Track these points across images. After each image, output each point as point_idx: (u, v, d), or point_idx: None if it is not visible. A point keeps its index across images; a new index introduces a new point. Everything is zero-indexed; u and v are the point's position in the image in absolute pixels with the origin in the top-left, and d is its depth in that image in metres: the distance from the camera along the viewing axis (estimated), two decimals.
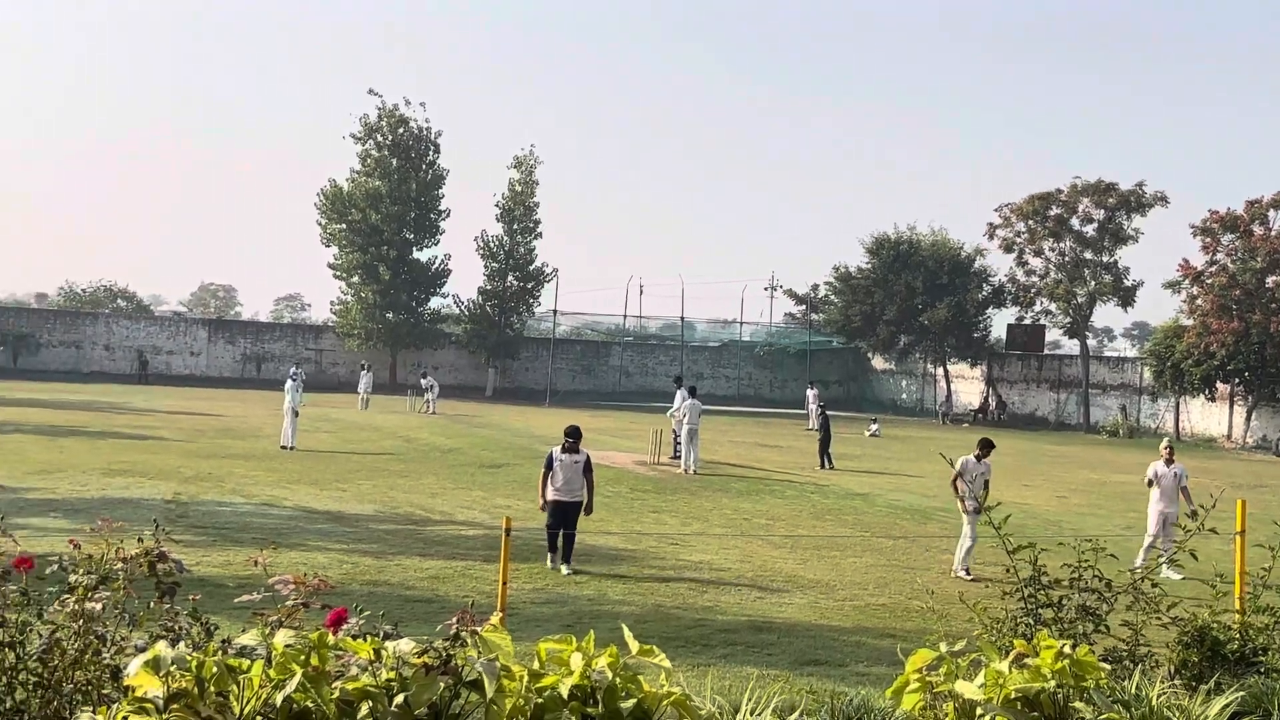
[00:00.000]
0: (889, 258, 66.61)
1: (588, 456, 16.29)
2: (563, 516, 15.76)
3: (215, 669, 3.91)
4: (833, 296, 71.42)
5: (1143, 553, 17.32)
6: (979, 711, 4.71)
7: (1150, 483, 18.62)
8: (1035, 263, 63.28)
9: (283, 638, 4.12)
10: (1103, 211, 60.54)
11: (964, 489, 16.77)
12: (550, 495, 15.96)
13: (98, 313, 71.36)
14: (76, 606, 4.93)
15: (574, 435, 16.28)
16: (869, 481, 29.36)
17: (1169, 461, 18.53)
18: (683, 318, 72.53)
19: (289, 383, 31.95)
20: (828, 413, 35.53)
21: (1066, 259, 61.95)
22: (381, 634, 4.37)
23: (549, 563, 15.62)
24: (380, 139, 66.16)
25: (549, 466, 16.08)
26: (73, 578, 5.08)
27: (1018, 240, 62.87)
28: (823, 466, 32.49)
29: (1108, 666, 5.74)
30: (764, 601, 14.27)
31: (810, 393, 52.75)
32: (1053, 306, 63.54)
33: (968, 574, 16.48)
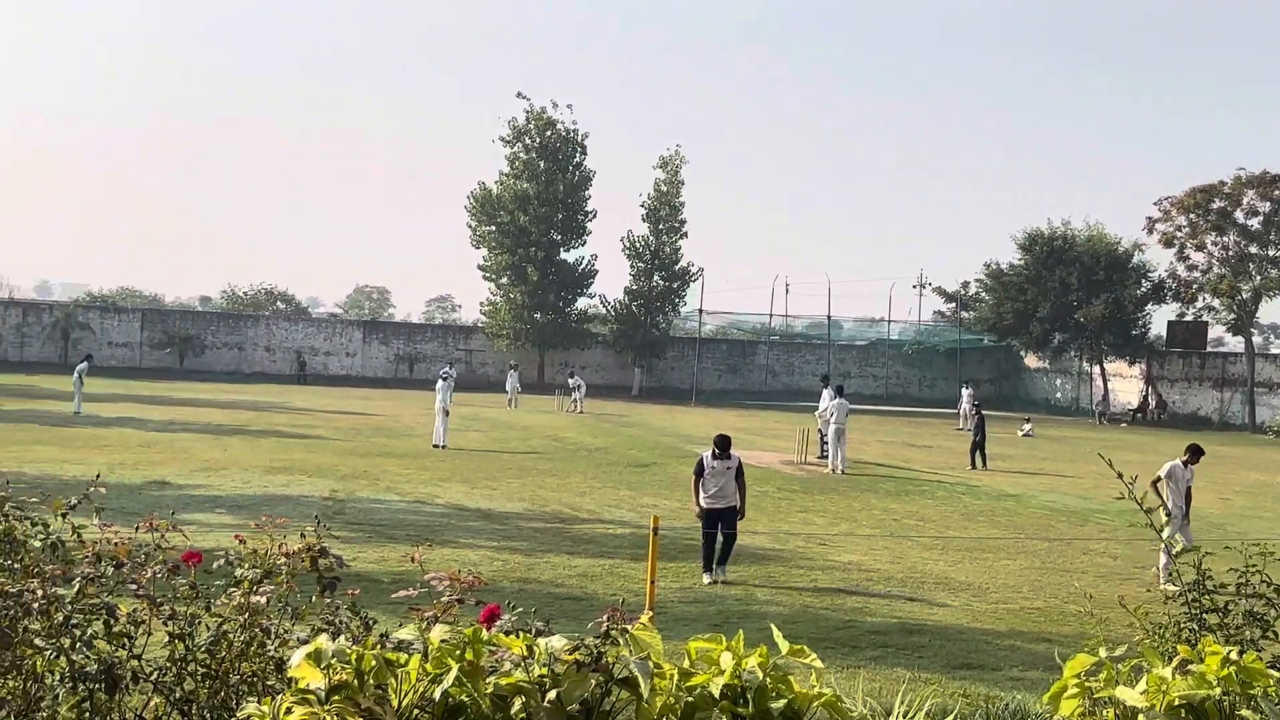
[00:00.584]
0: (1042, 254, 65.04)
1: (739, 461, 15.65)
2: (715, 526, 15.26)
3: (374, 662, 4.00)
4: (983, 294, 70.06)
5: None
6: (1141, 718, 4.57)
7: None
8: (1197, 257, 61.23)
9: (439, 633, 4.20)
10: (1269, 204, 58.21)
11: (1166, 494, 16.42)
12: (703, 502, 15.44)
13: (259, 315, 73.63)
14: (242, 600, 5.10)
15: (724, 445, 15.54)
16: (1022, 482, 28.74)
17: None
18: (829, 316, 71.94)
19: (440, 383, 32.52)
20: (983, 411, 34.73)
21: (1230, 253, 59.77)
22: (533, 631, 4.43)
23: (704, 577, 14.94)
24: (528, 142, 66.95)
25: (699, 473, 15.55)
26: (238, 572, 5.26)
27: (1178, 235, 60.87)
28: (973, 466, 31.91)
29: (1276, 674, 5.53)
30: (915, 604, 14.09)
31: (965, 392, 51.84)
32: (1216, 302, 61.34)
33: (1173, 585, 15.52)
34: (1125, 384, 67.28)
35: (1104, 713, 4.87)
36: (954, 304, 76.70)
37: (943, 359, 75.22)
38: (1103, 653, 4.83)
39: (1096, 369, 67.25)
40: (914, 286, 79.89)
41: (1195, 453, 17.39)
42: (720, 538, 15.18)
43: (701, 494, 15.48)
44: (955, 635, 12.47)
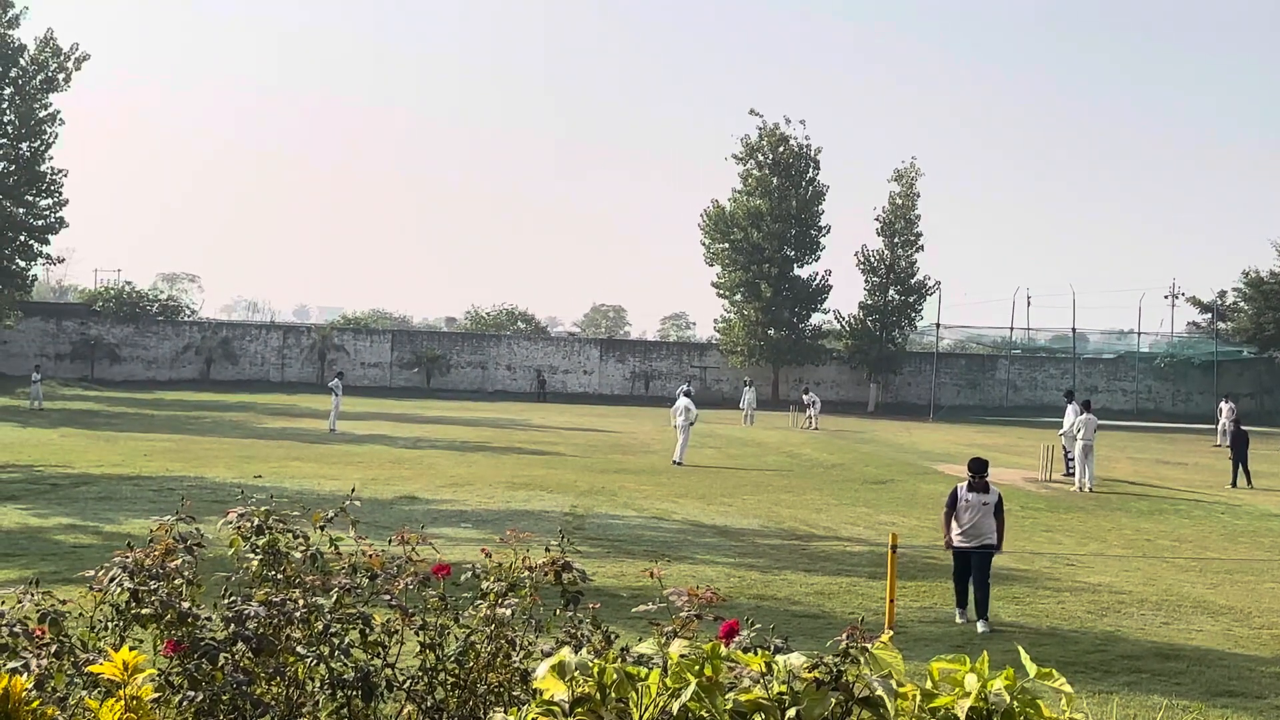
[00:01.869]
0: None
1: (999, 496, 14.00)
2: (968, 564, 13.72)
3: (615, 676, 4.05)
4: (1242, 303, 66.67)
5: None
6: None
7: None
8: None
9: (678, 647, 4.23)
10: None
11: None
12: (955, 539, 13.88)
13: (500, 335, 75.88)
14: (489, 612, 5.25)
15: (980, 470, 13.86)
16: None
17: None
18: (1074, 329, 69.59)
19: (682, 399, 32.69)
20: (1243, 426, 32.84)
21: None
22: (772, 648, 4.41)
23: (956, 616, 13.54)
24: (761, 158, 67.12)
25: (952, 505, 14.00)
26: (484, 584, 5.41)
27: None
28: (1234, 484, 30.29)
29: None
30: (1171, 627, 13.44)
31: (1224, 406, 49.29)
32: None
33: None
34: None
35: None
36: (1210, 314, 73.07)
37: (1198, 372, 71.70)
38: None
39: None
40: (1166, 296, 76.66)
41: None
42: (973, 582, 13.62)
43: (955, 528, 13.94)
44: (1215, 661, 11.84)
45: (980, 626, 13.03)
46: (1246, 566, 17.85)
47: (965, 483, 13.92)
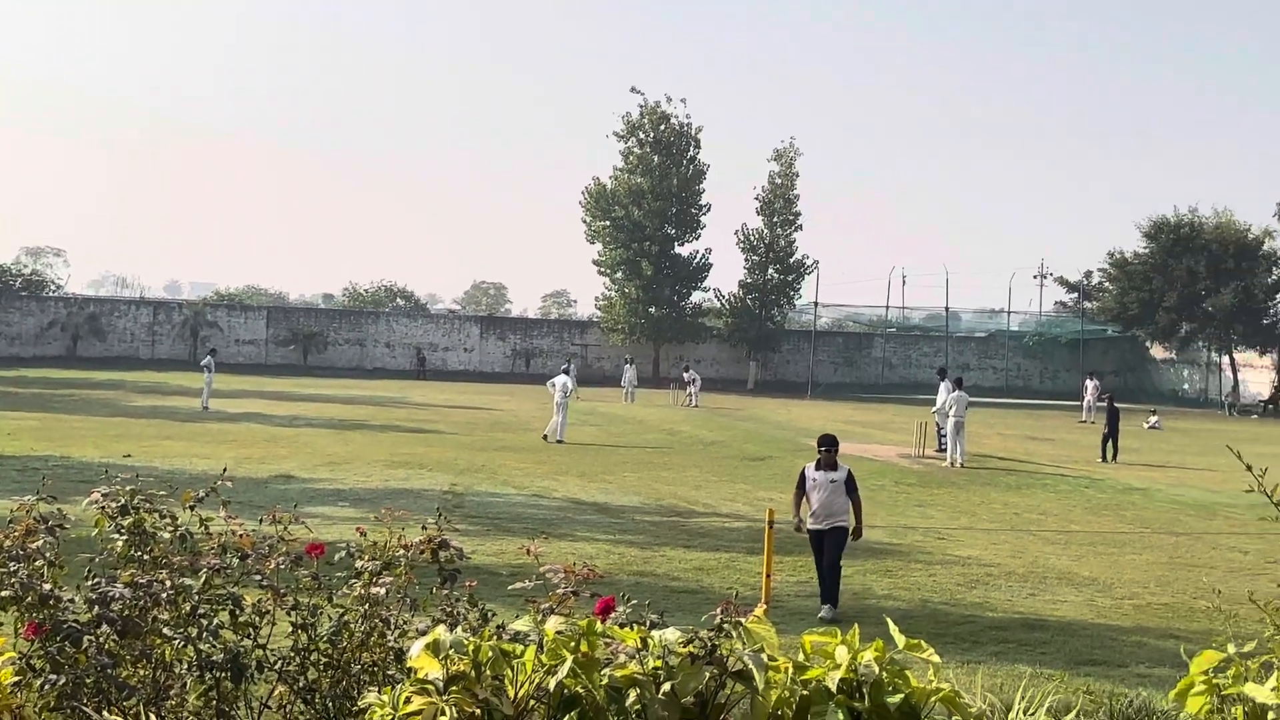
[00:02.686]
0: (1168, 242, 63.49)
1: (849, 473, 13.15)
2: (821, 547, 12.99)
3: (491, 653, 4.05)
4: (1107, 283, 68.64)
5: None
6: (1271, 715, 4.44)
7: None
8: None
9: (554, 624, 4.24)
10: None
11: None
12: (808, 523, 13.13)
13: (379, 312, 75.01)
14: (363, 591, 5.20)
15: (829, 444, 13.14)
16: (1148, 476, 28.06)
17: None
18: (947, 308, 71.00)
19: (561, 377, 32.58)
20: (1115, 404, 33.75)
21: None
22: (648, 623, 4.44)
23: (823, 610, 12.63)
24: (642, 136, 67.14)
25: (801, 486, 13.24)
26: (359, 563, 5.36)
27: None
28: (1104, 459, 31.26)
29: None
30: (1037, 599, 13.84)
31: (1089, 383, 50.78)
32: None
33: None
34: (1256, 374, 65.29)
35: (1232, 710, 4.73)
36: (1077, 294, 75.18)
37: (1065, 350, 73.74)
38: (1231, 649, 4.69)
39: (1225, 359, 65.37)
40: (1035, 276, 78.76)
41: None
42: (824, 564, 12.93)
43: (807, 511, 13.21)
44: (1079, 631, 12.22)
45: (824, 611, 12.40)
46: (1109, 539, 18.44)
47: (813, 462, 13.24)
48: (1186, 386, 70.95)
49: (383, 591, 5.15)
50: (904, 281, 74.92)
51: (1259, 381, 64.83)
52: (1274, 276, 62.03)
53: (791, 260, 67.91)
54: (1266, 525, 7.65)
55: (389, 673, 4.95)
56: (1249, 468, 7.64)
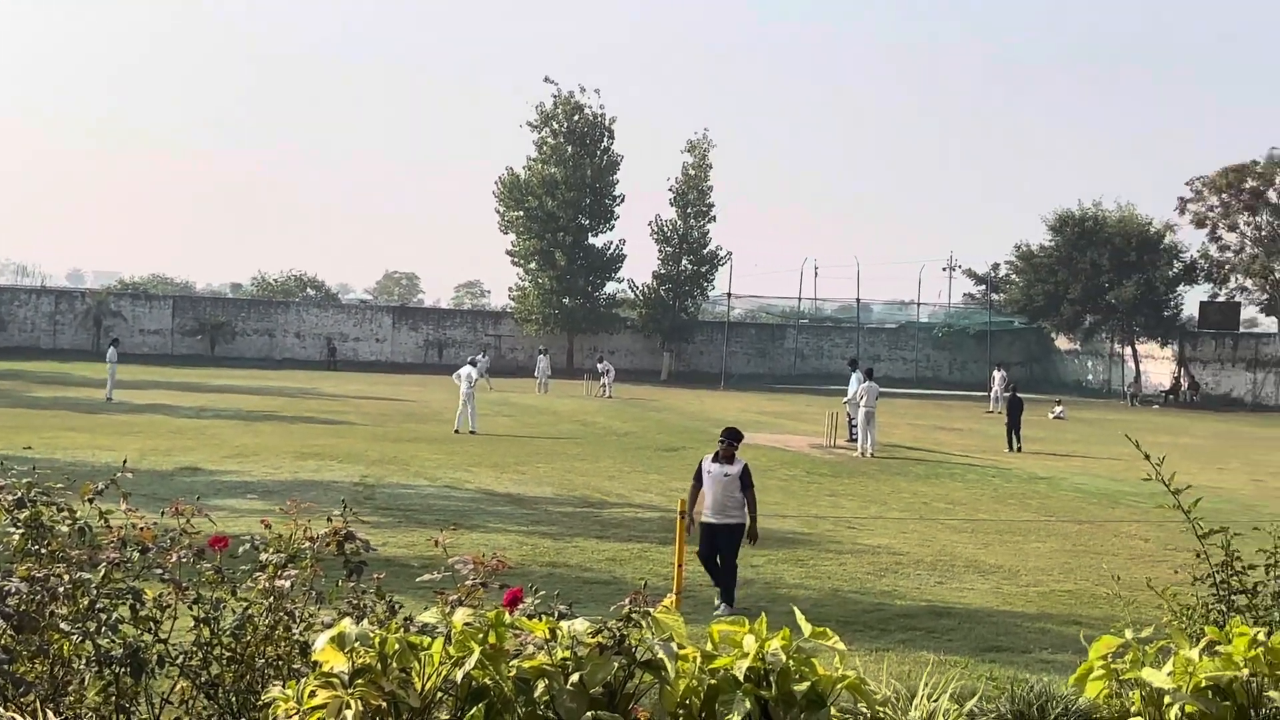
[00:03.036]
0: (1073, 235, 64.66)
1: (745, 467, 12.75)
2: (713, 543, 12.55)
3: (397, 646, 4.01)
4: (1014, 276, 69.74)
5: None
6: (1167, 700, 4.54)
7: None
8: (1229, 238, 60.82)
9: (462, 616, 4.21)
10: None
11: None
12: (702, 517, 12.65)
13: (289, 301, 74.08)
14: (267, 584, 5.13)
15: (732, 437, 12.83)
16: (1053, 465, 28.61)
17: None
18: (858, 299, 71.71)
19: (467, 368, 32.48)
20: (1019, 394, 34.43)
21: (1263, 233, 59.30)
22: (556, 614, 4.43)
23: (720, 608, 12.16)
24: (556, 126, 66.94)
25: (698, 479, 12.79)
26: (263, 556, 5.29)
27: (1210, 214, 60.42)
28: (1010, 449, 31.80)
29: None
30: (944, 586, 14.04)
31: (996, 374, 51.63)
32: (1248, 283, 60.91)
33: None
34: (1157, 365, 66.81)
35: (1130, 694, 4.84)
36: (984, 286, 76.30)
37: (973, 342, 74.86)
38: (1129, 635, 4.80)
39: (1128, 350, 66.81)
40: (944, 269, 79.67)
41: None
42: (720, 561, 12.55)
43: (702, 506, 12.71)
44: (984, 618, 12.43)
45: (721, 610, 11.94)
46: (1014, 527, 18.77)
47: (711, 454, 12.93)
48: (1090, 377, 72.40)
49: (288, 584, 5.09)
50: (816, 273, 75.76)
51: (1160, 372, 66.36)
52: (1175, 269, 63.43)
53: (705, 251, 68.16)
54: (1166, 513, 7.80)
55: (294, 667, 4.89)
56: (1147, 457, 7.82)
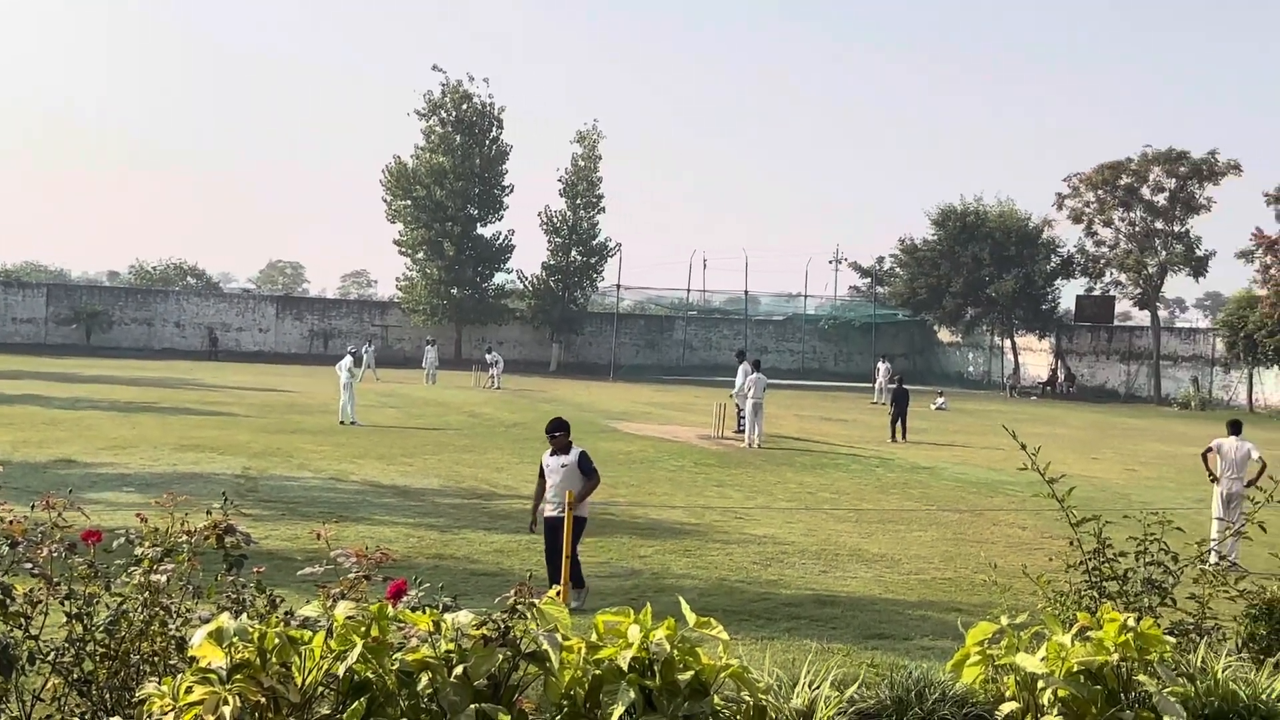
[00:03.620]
0: (955, 229, 65.92)
1: (581, 454, 12.47)
2: (558, 538, 11.90)
3: (277, 640, 3.96)
4: (898, 269, 70.86)
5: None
6: (1040, 684, 4.67)
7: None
8: (1105, 233, 62.41)
9: (344, 609, 4.17)
10: (1174, 180, 59.43)
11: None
12: (544, 509, 12.49)
13: (168, 290, 72.48)
14: (142, 579, 5.02)
15: (557, 429, 12.53)
16: (935, 455, 29.15)
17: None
18: (746, 291, 72.33)
19: (346, 359, 32.11)
20: (903, 386, 35.00)
21: (1137, 229, 61.00)
22: (441, 606, 4.41)
23: (571, 600, 11.37)
24: (444, 115, 66.43)
25: (541, 475, 12.62)
26: (139, 550, 5.17)
27: (1087, 210, 61.96)
28: (894, 439, 32.32)
29: (1172, 640, 5.66)
30: (828, 575, 14.23)
31: (881, 365, 52.44)
32: (1123, 277, 62.59)
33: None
34: (1035, 357, 68.50)
35: (1005, 679, 4.98)
36: (869, 279, 77.42)
37: (858, 334, 75.97)
38: (1004, 620, 4.93)
39: (1008, 343, 68.42)
40: (830, 262, 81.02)
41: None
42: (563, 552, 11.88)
43: (543, 500, 12.58)
44: (867, 606, 12.62)
45: (574, 600, 11.52)
46: (897, 516, 19.10)
47: (549, 450, 12.59)
48: (971, 369, 73.97)
49: (164, 579, 4.99)
50: (705, 265, 76.43)
51: (1038, 364, 68.03)
52: (1052, 264, 65.00)
53: (594, 242, 68.20)
54: (1043, 502, 8.04)
55: (170, 662, 4.80)
56: (1023, 447, 8.01)
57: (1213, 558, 9.25)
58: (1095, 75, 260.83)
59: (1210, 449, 16.96)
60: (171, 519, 5.28)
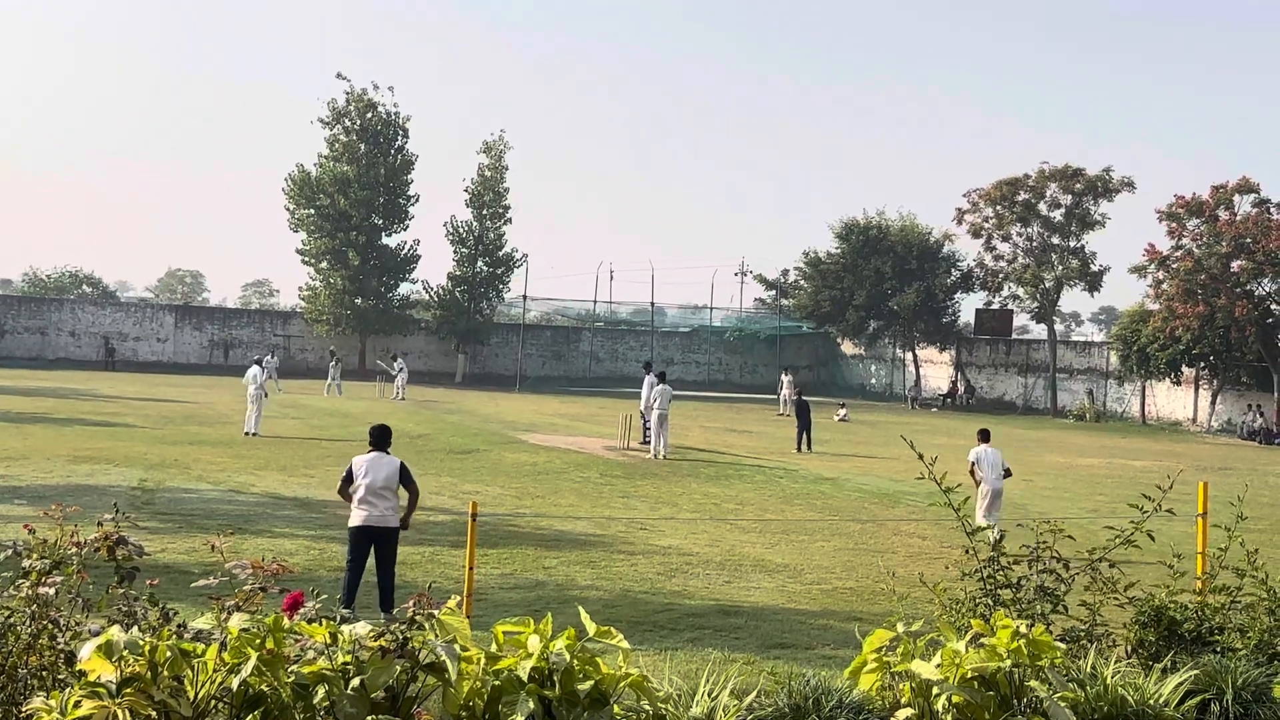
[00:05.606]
0: (858, 243, 66.79)
1: (400, 464, 12.20)
2: (369, 548, 11.90)
3: (169, 653, 3.89)
4: (802, 282, 71.57)
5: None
6: (935, 690, 4.74)
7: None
8: (1003, 248, 63.58)
9: (238, 622, 4.11)
10: (1070, 197, 60.77)
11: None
12: (360, 520, 11.98)
13: (63, 299, 70.87)
14: (30, 591, 4.90)
15: (381, 435, 12.31)
16: (837, 466, 29.45)
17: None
18: (653, 303, 72.58)
19: (254, 368, 31.73)
20: (804, 397, 35.45)
21: (1034, 244, 62.24)
22: (338, 617, 4.36)
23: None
24: (349, 123, 65.81)
25: (348, 480, 12.12)
26: (26, 563, 5.05)
27: (986, 225, 63.09)
28: (799, 450, 32.59)
29: (1063, 646, 5.78)
30: (732, 586, 14.31)
31: (785, 377, 52.87)
32: (1020, 291, 63.84)
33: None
34: (936, 370, 69.59)
35: (901, 686, 5.05)
36: (774, 291, 78.07)
37: (763, 346, 76.57)
38: (900, 628, 5.01)
39: (909, 355, 69.47)
40: (736, 274, 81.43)
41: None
42: (377, 568, 12.05)
43: (354, 508, 12.08)
44: (770, 616, 12.71)
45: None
46: (800, 527, 19.27)
47: (364, 452, 12.35)
48: (874, 381, 74.91)
49: (52, 591, 4.88)
50: (611, 277, 76.19)
51: (939, 376, 69.13)
52: (953, 278, 66.13)
53: (501, 253, 67.96)
54: (942, 511, 8.18)
55: (59, 677, 4.69)
56: (921, 457, 8.13)
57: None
58: (995, 93, 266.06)
59: (974, 461, 18.71)
60: (61, 530, 5.16)
